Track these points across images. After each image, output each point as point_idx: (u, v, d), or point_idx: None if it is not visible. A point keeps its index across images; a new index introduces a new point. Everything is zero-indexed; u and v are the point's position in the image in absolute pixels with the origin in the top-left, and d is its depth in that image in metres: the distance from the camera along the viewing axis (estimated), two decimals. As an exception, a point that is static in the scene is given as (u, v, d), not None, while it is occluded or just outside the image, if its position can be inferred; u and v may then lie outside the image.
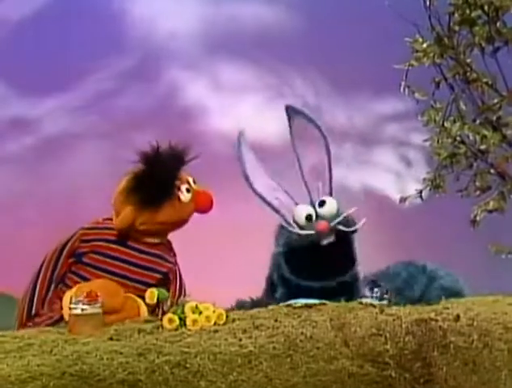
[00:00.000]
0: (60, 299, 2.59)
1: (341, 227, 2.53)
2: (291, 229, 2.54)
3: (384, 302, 2.42)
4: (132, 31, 4.48)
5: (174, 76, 4.42)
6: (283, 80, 4.36)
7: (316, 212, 2.57)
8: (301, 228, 2.54)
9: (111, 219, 2.68)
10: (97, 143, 4.11)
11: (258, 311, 2.45)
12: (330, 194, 2.61)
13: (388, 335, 2.18)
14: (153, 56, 4.39)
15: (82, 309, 2.30)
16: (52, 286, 2.62)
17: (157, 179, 2.59)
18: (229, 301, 2.59)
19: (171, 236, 2.76)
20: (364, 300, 2.45)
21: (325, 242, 2.53)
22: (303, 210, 2.58)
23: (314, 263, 2.54)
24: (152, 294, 2.39)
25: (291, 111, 2.63)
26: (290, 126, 2.63)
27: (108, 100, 4.35)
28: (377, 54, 4.15)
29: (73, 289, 2.46)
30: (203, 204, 2.70)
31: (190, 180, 2.70)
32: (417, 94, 3.32)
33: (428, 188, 3.69)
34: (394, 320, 2.24)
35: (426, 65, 3.25)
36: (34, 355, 2.15)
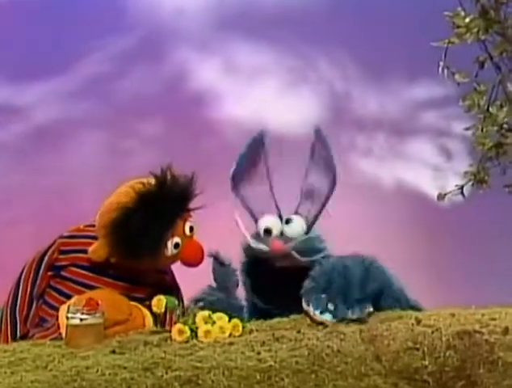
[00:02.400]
0: (41, 318, 2.62)
1: (295, 254, 2.56)
2: (245, 239, 2.59)
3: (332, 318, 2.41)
4: (134, 5, 4.50)
5: (182, 57, 4.43)
6: (306, 62, 4.36)
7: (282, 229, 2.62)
8: (259, 241, 2.60)
9: (94, 225, 2.66)
10: (95, 132, 4.14)
11: (278, 321, 2.48)
12: (313, 222, 2.65)
13: (426, 349, 2.19)
14: (159, 35, 4.40)
15: (81, 319, 2.33)
16: (34, 303, 2.65)
17: (145, 226, 2.51)
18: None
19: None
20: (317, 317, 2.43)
21: (277, 264, 2.58)
22: (264, 221, 2.64)
23: (269, 284, 2.61)
24: (160, 302, 2.41)
25: (317, 135, 2.70)
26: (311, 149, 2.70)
27: (107, 84, 4.37)
28: (412, 31, 4.14)
29: (71, 300, 2.48)
30: (189, 260, 2.63)
31: (187, 228, 2.63)
32: (457, 76, 3.30)
33: (470, 183, 3.67)
34: (433, 332, 2.25)
35: (469, 42, 3.23)
36: (27, 370, 2.18)
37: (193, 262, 2.64)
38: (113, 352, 2.25)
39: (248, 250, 2.64)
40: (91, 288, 2.61)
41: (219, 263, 2.61)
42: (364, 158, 4.08)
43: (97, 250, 2.59)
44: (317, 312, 2.42)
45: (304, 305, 2.45)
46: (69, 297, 2.59)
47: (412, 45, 3.96)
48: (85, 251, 2.63)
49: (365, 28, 4.39)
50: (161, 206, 2.54)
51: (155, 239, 2.54)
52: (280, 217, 2.67)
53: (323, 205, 2.67)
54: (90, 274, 2.63)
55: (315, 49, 4.25)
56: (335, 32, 4.29)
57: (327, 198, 2.66)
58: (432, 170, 4.28)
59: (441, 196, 3.38)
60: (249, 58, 4.25)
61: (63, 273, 2.64)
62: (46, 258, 2.66)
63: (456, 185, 3.35)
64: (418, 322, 2.37)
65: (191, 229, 2.64)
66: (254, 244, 2.59)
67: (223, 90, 4.30)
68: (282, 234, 2.63)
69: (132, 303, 2.59)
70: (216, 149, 3.70)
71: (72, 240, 2.68)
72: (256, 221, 2.66)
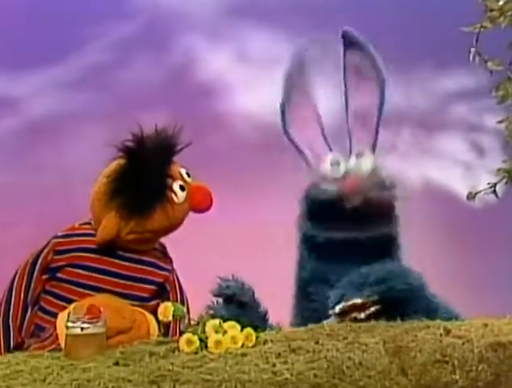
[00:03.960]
0: (37, 325, 2.64)
1: (371, 192, 2.57)
2: (312, 176, 2.62)
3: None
4: (137, -11, 4.52)
5: (189, 45, 4.44)
6: (323, 51, 4.36)
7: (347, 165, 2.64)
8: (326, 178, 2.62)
9: (90, 223, 2.72)
10: (94, 126, 4.16)
11: (294, 331, 2.50)
12: (373, 148, 2.64)
13: (456, 362, 2.19)
14: (163, 21, 4.42)
15: (82, 329, 2.34)
16: (29, 310, 2.67)
17: (144, 179, 2.60)
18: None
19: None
20: None
21: (348, 204, 2.59)
22: (331, 158, 2.64)
23: (336, 215, 2.62)
24: (166, 309, 2.43)
25: (347, 40, 2.66)
26: (343, 58, 2.66)
27: (108, 74, 4.39)
28: (440, 15, 4.14)
29: (71, 307, 2.51)
30: (200, 203, 2.71)
31: (184, 173, 2.71)
32: (490, 64, 3.30)
33: (504, 181, 3.67)
34: (464, 344, 2.26)
35: (503, 27, 3.22)
36: (24, 384, 2.19)
37: (204, 205, 2.70)
38: (116, 363, 2.26)
39: (314, 192, 2.62)
40: (90, 288, 2.63)
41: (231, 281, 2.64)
42: (389, 154, 4.08)
43: (104, 226, 2.63)
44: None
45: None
46: (66, 300, 2.61)
47: (439, 31, 3.96)
48: (81, 250, 2.66)
49: (387, 13, 4.40)
50: (149, 156, 2.61)
51: (158, 182, 2.61)
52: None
53: (377, 131, 2.64)
54: (88, 273, 2.65)
55: (333, 37, 4.26)
56: (354, 19, 4.29)
57: (380, 111, 2.65)
58: (462, 167, 4.28)
59: (471, 196, 3.39)
60: (262, 46, 4.26)
61: (59, 275, 2.66)
62: (40, 260, 2.68)
63: (488, 183, 3.35)
64: (447, 332, 2.38)
65: (188, 174, 2.70)
66: (326, 184, 2.59)
67: (233, 81, 4.31)
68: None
69: (135, 308, 2.61)
70: (224, 145, 3.72)
71: (67, 239, 2.70)
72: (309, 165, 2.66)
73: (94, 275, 2.66)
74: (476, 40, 2.92)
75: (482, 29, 2.91)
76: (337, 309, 2.51)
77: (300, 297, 2.81)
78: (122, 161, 2.63)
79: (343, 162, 2.66)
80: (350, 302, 2.49)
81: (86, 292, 2.62)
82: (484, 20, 2.96)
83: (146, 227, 2.64)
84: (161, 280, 2.73)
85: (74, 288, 2.64)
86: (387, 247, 2.70)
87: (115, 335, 2.45)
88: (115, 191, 2.61)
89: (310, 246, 2.76)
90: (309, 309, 2.75)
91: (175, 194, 2.67)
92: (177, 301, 2.70)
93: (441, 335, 2.35)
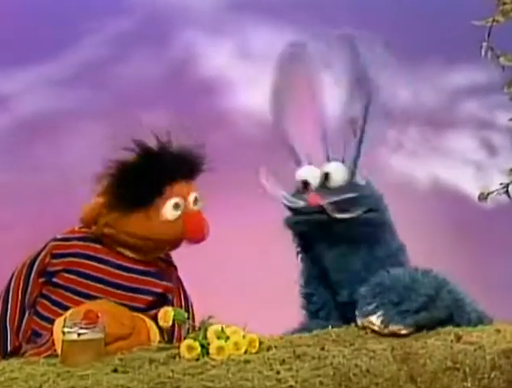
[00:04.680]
0: (33, 331, 2.65)
1: (332, 212, 2.58)
2: (282, 196, 2.64)
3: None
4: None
5: (189, 40, 4.44)
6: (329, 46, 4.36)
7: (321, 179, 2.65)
8: (295, 194, 2.65)
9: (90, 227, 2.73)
10: (91, 124, 4.17)
11: (298, 337, 2.50)
12: (355, 160, 2.68)
13: (467, 369, 2.20)
14: (163, 15, 4.42)
15: (79, 334, 2.35)
16: (26, 312, 2.68)
17: (139, 179, 2.62)
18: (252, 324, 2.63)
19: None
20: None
21: (316, 218, 2.62)
22: (302, 172, 2.68)
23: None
24: (167, 314, 2.43)
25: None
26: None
27: (105, 70, 4.39)
28: (450, 9, 4.14)
29: (67, 313, 2.51)
30: (190, 231, 2.68)
31: (191, 198, 2.70)
32: (502, 59, 3.29)
33: (517, 182, 3.68)
34: (475, 350, 2.26)
35: (515, 21, 3.22)
36: (19, 392, 2.21)
37: (194, 234, 2.68)
38: (115, 370, 2.27)
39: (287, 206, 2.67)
40: (84, 296, 2.64)
41: None
42: (395, 153, 4.08)
43: (87, 205, 2.67)
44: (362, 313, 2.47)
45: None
46: (61, 306, 2.62)
47: (449, 25, 3.96)
48: (78, 255, 2.68)
49: (393, 7, 4.40)
50: (155, 159, 2.64)
51: (149, 188, 2.61)
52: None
53: (360, 140, 2.65)
54: (83, 280, 2.66)
55: (339, 32, 4.26)
56: (359, 14, 4.30)
57: (362, 128, 2.64)
58: (473, 166, 4.28)
59: (483, 196, 3.39)
60: (266, 42, 4.26)
61: (55, 280, 2.67)
62: (37, 262, 2.69)
63: (501, 183, 3.34)
64: (458, 338, 2.38)
65: (196, 200, 2.70)
66: (289, 201, 2.62)
67: (235, 78, 4.31)
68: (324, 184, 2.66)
69: (135, 314, 2.61)
70: (226, 143, 3.72)
71: (65, 243, 2.71)
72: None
73: (88, 282, 2.67)
74: (488, 35, 2.92)
75: (494, 23, 2.91)
76: (376, 327, 2.50)
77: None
78: (134, 156, 2.65)
79: (313, 177, 2.68)
80: (392, 328, 2.49)
81: (81, 299, 2.63)
82: (496, 14, 2.96)
83: (122, 226, 2.64)
84: (160, 290, 2.74)
85: (69, 294, 2.65)
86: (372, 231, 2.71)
87: (113, 342, 2.45)
88: (111, 177, 2.63)
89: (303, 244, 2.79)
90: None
91: (165, 209, 2.65)
92: (182, 309, 2.71)
93: (452, 341, 2.36)
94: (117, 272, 2.69)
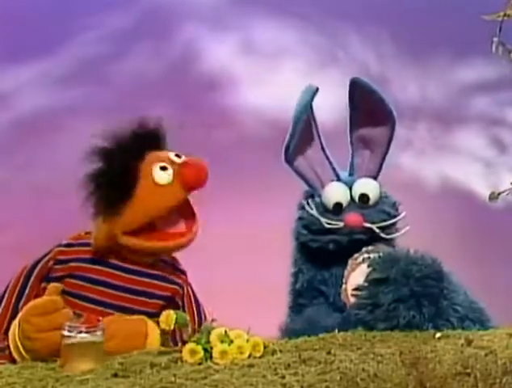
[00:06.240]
0: None
1: (379, 231, 2.73)
2: (314, 215, 2.75)
3: None
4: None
5: (192, 35, 4.44)
6: (336, 40, 4.36)
7: (351, 196, 2.75)
8: (326, 214, 2.75)
9: None
10: (90, 122, 4.17)
11: (304, 341, 2.49)
12: (377, 174, 2.79)
13: (478, 374, 2.18)
14: (165, 9, 4.43)
15: (79, 338, 2.35)
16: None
17: (108, 172, 2.66)
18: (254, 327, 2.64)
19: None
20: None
21: (351, 238, 2.73)
22: (334, 194, 2.77)
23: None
24: (168, 318, 2.43)
25: (355, 86, 2.77)
26: (350, 101, 2.78)
27: (104, 67, 4.39)
28: (460, 3, 4.14)
29: (19, 316, 2.53)
30: (188, 178, 2.69)
31: (171, 156, 2.73)
32: (513, 55, 3.30)
33: (528, 181, 3.66)
34: (486, 355, 2.25)
35: (527, 15, 3.22)
36: (16, 397, 2.21)
37: (193, 178, 2.69)
38: (115, 375, 2.26)
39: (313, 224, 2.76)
40: (90, 301, 2.64)
41: None
42: (403, 151, 4.07)
43: (95, 233, 2.68)
44: None
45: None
46: None
47: (459, 19, 3.96)
48: (82, 260, 2.68)
49: (402, 0, 4.40)
50: (114, 150, 2.68)
51: (123, 171, 2.65)
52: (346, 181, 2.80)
53: (383, 157, 2.77)
54: (89, 285, 2.67)
55: (345, 26, 4.26)
56: (368, 6, 4.30)
57: (387, 148, 2.77)
58: (483, 165, 4.28)
59: (494, 196, 3.38)
60: (271, 36, 4.26)
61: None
62: (39, 266, 2.70)
63: (511, 183, 3.34)
64: (469, 342, 2.38)
65: (178, 155, 2.72)
66: (326, 224, 2.73)
67: (239, 74, 4.31)
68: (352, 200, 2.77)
69: (137, 317, 2.62)
70: (230, 142, 3.72)
71: (70, 248, 2.72)
72: (313, 188, 2.81)
73: (94, 287, 2.68)
74: (500, 30, 2.91)
75: (505, 18, 2.91)
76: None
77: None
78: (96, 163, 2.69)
79: (345, 199, 2.75)
80: None
81: (87, 305, 2.64)
82: (507, 8, 2.96)
83: (131, 221, 2.65)
84: (168, 293, 2.75)
85: (75, 300, 2.65)
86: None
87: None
88: (91, 193, 2.66)
89: (306, 254, 2.85)
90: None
91: (155, 176, 2.68)
92: (193, 314, 2.75)
93: (462, 345, 2.36)
94: (123, 274, 2.70)
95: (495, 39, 2.92)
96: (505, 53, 3.01)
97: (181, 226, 2.74)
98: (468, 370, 2.20)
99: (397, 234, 2.76)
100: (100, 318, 2.38)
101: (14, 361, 2.53)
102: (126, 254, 2.70)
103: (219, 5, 4.36)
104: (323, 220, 2.74)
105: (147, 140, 2.73)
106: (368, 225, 2.73)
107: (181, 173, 2.69)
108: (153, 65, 4.34)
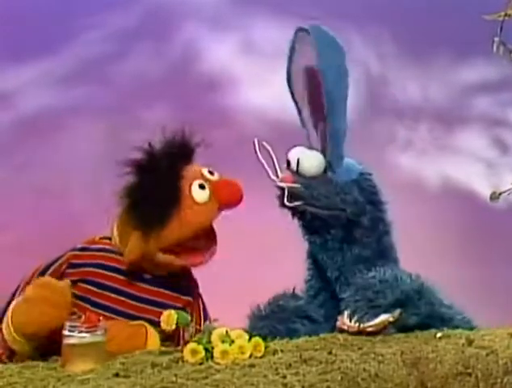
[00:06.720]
0: None
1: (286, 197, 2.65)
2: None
3: None
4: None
5: (192, 34, 4.45)
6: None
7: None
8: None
9: (110, 238, 2.74)
10: (91, 122, 4.17)
11: (305, 341, 2.50)
12: (323, 142, 2.71)
13: (479, 374, 2.18)
14: (165, 9, 4.43)
15: (80, 338, 2.35)
16: None
17: (153, 188, 2.64)
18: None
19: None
20: None
21: (288, 202, 2.68)
22: (290, 153, 2.72)
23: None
24: (170, 317, 2.44)
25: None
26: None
27: (106, 67, 4.40)
28: (461, 3, 4.14)
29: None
30: (226, 198, 2.72)
31: (205, 172, 2.74)
32: (514, 55, 3.30)
33: (529, 181, 3.67)
34: (488, 355, 2.26)
35: (529, 15, 3.22)
36: (18, 397, 2.22)
37: (230, 198, 2.72)
38: (116, 375, 2.27)
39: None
40: (101, 307, 2.64)
41: None
42: (404, 151, 4.09)
43: (130, 246, 2.66)
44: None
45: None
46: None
47: (460, 19, 3.96)
48: (96, 266, 2.69)
49: (403, 0, 4.40)
50: (155, 165, 2.67)
51: (168, 188, 2.65)
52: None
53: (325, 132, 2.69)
54: (101, 291, 2.68)
55: (346, 26, 4.26)
56: (369, 6, 4.30)
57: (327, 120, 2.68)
58: (484, 165, 4.28)
59: (495, 196, 3.39)
60: (271, 36, 4.26)
61: (72, 290, 2.65)
62: (51, 270, 2.70)
63: (513, 183, 3.34)
64: (470, 342, 2.38)
65: (211, 172, 2.74)
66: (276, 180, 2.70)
67: (239, 74, 4.31)
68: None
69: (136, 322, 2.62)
70: (231, 142, 3.72)
71: (83, 253, 2.72)
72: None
73: (106, 293, 2.68)
74: (501, 29, 2.92)
75: (506, 17, 2.91)
76: (350, 329, 2.54)
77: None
78: (133, 177, 2.67)
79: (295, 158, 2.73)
80: (367, 325, 2.52)
81: (97, 311, 2.63)
82: (508, 8, 2.96)
83: (168, 238, 2.65)
84: (180, 304, 2.74)
85: (86, 305, 2.66)
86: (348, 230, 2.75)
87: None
88: (129, 208, 2.65)
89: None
90: None
91: (194, 195, 2.68)
92: (199, 325, 2.71)
93: (463, 345, 2.36)
94: (137, 283, 2.71)
95: (496, 39, 2.93)
96: (506, 53, 3.02)
97: (201, 243, 2.75)
98: (469, 370, 2.20)
99: (294, 204, 2.69)
100: (101, 317, 2.38)
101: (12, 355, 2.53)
102: (148, 266, 2.71)
103: (219, 5, 4.36)
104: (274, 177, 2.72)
105: (182, 154, 2.72)
106: (287, 184, 2.68)
107: (218, 192, 2.71)
108: (154, 65, 4.34)
